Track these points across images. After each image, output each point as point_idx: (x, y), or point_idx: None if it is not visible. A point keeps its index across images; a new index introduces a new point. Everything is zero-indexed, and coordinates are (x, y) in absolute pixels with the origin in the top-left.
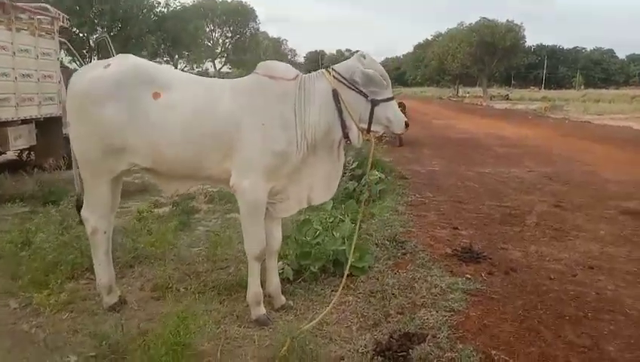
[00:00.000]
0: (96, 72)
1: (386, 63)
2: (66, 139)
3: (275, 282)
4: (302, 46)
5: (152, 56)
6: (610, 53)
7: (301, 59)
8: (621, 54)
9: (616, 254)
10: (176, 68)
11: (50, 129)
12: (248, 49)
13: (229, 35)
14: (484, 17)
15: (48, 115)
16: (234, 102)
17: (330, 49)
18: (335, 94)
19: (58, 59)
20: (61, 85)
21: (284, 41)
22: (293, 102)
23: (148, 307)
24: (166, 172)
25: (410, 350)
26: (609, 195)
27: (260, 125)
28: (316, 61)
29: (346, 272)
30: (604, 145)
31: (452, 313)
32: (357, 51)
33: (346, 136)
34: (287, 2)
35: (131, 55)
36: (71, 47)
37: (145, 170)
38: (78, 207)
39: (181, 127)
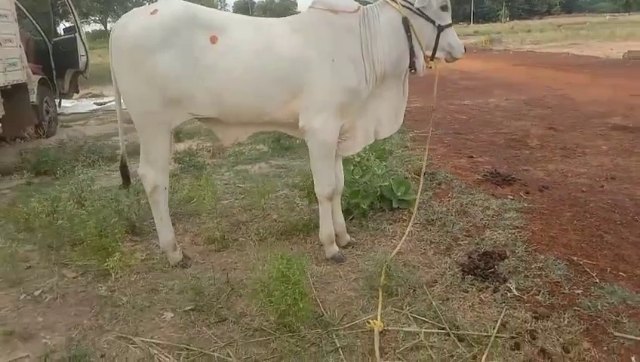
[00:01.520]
0: (143, 20)
1: None
2: (35, 107)
3: (340, 221)
4: None
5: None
6: None
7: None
8: None
9: (627, 164)
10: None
11: (16, 97)
12: None
13: None
14: None
15: (15, 82)
16: (299, 40)
17: None
18: (406, 23)
19: (16, 20)
20: (21, 50)
21: None
22: (359, 36)
23: (214, 259)
24: (228, 120)
25: (496, 266)
26: (590, 115)
27: (330, 62)
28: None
29: (417, 205)
30: (559, 71)
31: (517, 229)
32: None
33: (411, 65)
34: None
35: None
36: (21, 7)
37: (203, 120)
38: (123, 169)
39: (244, 71)
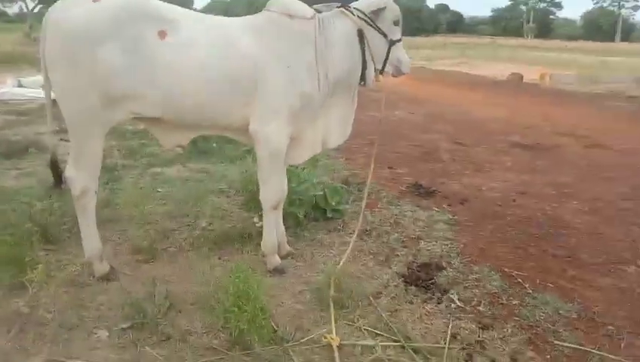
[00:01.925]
0: (85, 7)
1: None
2: None
3: (281, 231)
4: None
5: None
6: (422, 2)
7: None
8: (431, 4)
9: (532, 180)
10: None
11: None
12: None
13: None
14: None
15: None
16: (255, 43)
17: None
18: (360, 34)
19: None
20: None
21: None
22: (314, 43)
23: (143, 271)
24: (173, 121)
25: (436, 277)
26: (491, 131)
27: (285, 67)
28: None
29: (362, 215)
30: (454, 88)
31: (449, 241)
32: None
33: (362, 77)
34: None
35: None
36: None
37: (143, 120)
38: (54, 167)
39: (198, 71)
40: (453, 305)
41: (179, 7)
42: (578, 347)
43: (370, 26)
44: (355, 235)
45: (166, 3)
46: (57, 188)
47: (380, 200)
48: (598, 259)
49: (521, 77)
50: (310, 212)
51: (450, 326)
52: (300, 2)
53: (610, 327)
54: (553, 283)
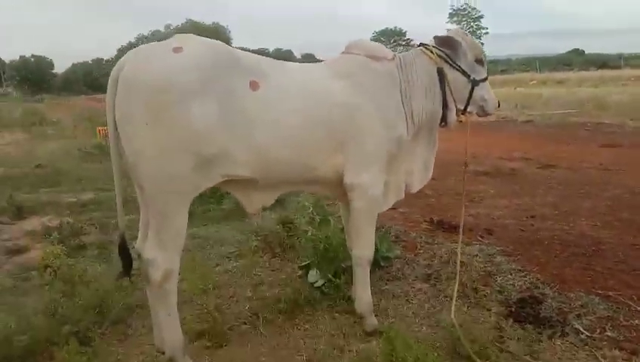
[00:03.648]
0: (169, 59)
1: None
2: None
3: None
4: None
5: None
6: (290, 52)
7: None
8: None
9: (526, 204)
10: None
11: None
12: None
13: None
14: (189, 19)
15: None
16: (344, 86)
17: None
18: (441, 73)
19: None
20: None
21: None
22: (399, 84)
23: (223, 359)
24: (266, 179)
25: (541, 311)
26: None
27: (377, 110)
28: None
29: (459, 258)
30: None
31: (521, 272)
32: None
33: (443, 118)
34: None
35: (194, 35)
36: None
37: (229, 183)
38: (123, 249)
39: (294, 123)
40: (582, 335)
41: (259, 55)
42: None
43: (450, 65)
44: (456, 284)
45: (242, 50)
46: (125, 276)
47: (415, 241)
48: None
49: None
50: None
51: (600, 357)
52: (378, 43)
53: None
54: None
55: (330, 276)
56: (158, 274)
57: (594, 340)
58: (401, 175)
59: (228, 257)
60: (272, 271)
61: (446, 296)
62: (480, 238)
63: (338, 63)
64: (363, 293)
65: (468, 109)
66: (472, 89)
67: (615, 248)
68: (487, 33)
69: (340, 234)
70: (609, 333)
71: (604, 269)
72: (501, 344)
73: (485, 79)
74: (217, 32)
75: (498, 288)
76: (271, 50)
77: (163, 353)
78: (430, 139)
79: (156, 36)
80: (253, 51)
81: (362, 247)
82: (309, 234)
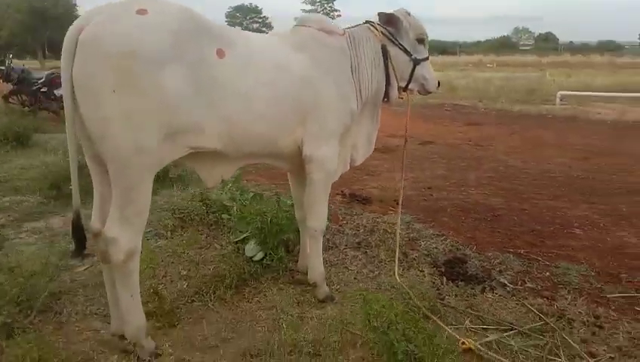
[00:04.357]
0: (134, 21)
1: None
2: None
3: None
4: None
5: None
6: None
7: None
8: None
9: (414, 176)
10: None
11: None
12: None
13: None
14: None
15: None
16: (304, 59)
17: None
18: (384, 50)
19: None
20: None
21: None
22: (349, 59)
23: (180, 339)
24: (230, 152)
25: (468, 269)
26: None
27: (333, 83)
28: None
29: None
30: None
31: (439, 236)
32: None
33: (385, 94)
34: None
35: None
36: None
37: (191, 156)
38: (77, 228)
39: (261, 92)
40: (507, 288)
41: (220, 23)
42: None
43: (392, 42)
44: (397, 248)
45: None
46: (77, 256)
47: (339, 213)
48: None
49: None
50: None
51: (528, 305)
52: (327, 17)
53: None
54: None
55: (271, 249)
56: (120, 253)
57: (518, 291)
58: (348, 148)
59: (146, 237)
60: (200, 248)
61: (380, 261)
62: (392, 209)
63: (294, 36)
64: (316, 263)
65: (409, 87)
66: (414, 67)
67: (509, 213)
68: (339, 16)
69: (274, 208)
70: (529, 284)
71: (507, 231)
72: (441, 300)
73: (427, 59)
74: None
75: (425, 251)
76: None
77: (120, 337)
78: (374, 114)
79: None
80: None
81: (317, 218)
82: (234, 209)
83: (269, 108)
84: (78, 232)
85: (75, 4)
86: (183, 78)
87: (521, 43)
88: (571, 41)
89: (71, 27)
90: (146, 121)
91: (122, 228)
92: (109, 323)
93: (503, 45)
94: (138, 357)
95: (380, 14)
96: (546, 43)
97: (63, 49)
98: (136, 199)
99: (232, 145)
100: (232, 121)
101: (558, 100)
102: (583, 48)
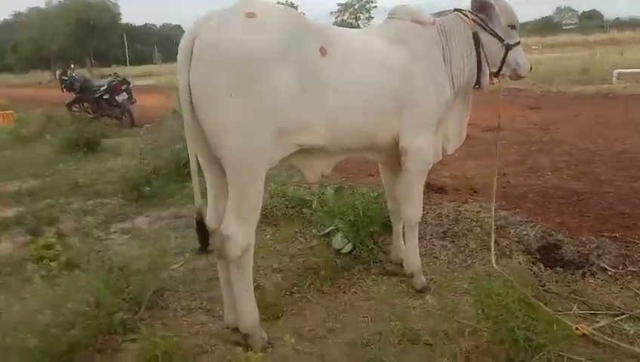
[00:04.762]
0: (244, 26)
1: None
2: None
3: (402, 247)
4: None
5: None
6: (178, 27)
7: None
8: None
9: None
10: None
11: None
12: None
13: None
14: None
15: None
16: (402, 52)
17: None
18: (476, 37)
19: None
20: None
21: None
22: (442, 49)
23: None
24: (333, 147)
25: (564, 254)
26: None
27: (430, 75)
28: None
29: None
30: None
31: (527, 223)
32: None
33: (477, 81)
34: None
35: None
36: None
37: (297, 154)
38: (201, 226)
39: (362, 88)
40: (609, 272)
41: (321, 22)
42: None
43: (484, 29)
44: (493, 236)
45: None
46: (202, 253)
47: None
48: None
49: None
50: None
51: (634, 289)
52: (421, 9)
53: None
54: None
55: (361, 241)
56: (237, 249)
57: (621, 275)
58: (440, 137)
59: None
60: (286, 242)
61: (471, 250)
62: (470, 197)
63: (389, 29)
64: (413, 253)
65: (501, 72)
66: (506, 53)
67: (593, 197)
68: (375, 7)
69: (363, 200)
70: (631, 268)
71: (596, 215)
72: (542, 287)
73: (518, 43)
74: (107, 8)
75: (516, 239)
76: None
77: (234, 329)
78: (465, 102)
79: (40, 11)
80: (141, 27)
81: (413, 209)
82: (315, 203)
83: (371, 102)
84: (202, 229)
85: (120, 14)
86: (292, 78)
87: (564, 22)
88: (617, 18)
89: (184, 35)
90: (261, 121)
91: (238, 225)
92: (214, 317)
93: (545, 26)
94: (250, 348)
95: (472, 1)
96: (591, 21)
97: (178, 56)
98: (251, 197)
99: (336, 141)
100: (336, 117)
101: (614, 79)
102: (631, 23)
